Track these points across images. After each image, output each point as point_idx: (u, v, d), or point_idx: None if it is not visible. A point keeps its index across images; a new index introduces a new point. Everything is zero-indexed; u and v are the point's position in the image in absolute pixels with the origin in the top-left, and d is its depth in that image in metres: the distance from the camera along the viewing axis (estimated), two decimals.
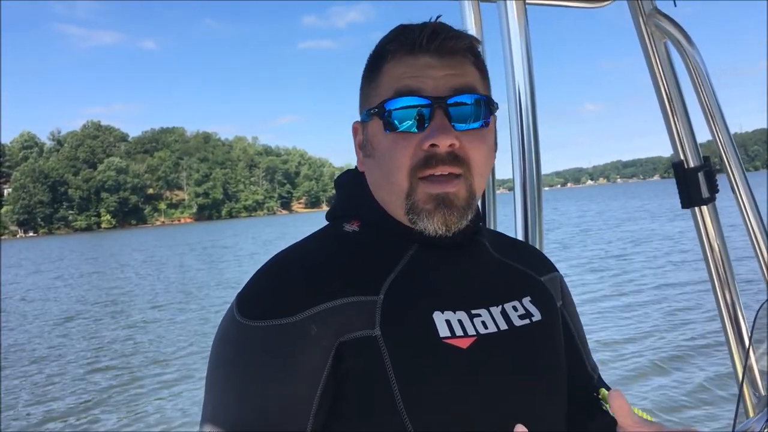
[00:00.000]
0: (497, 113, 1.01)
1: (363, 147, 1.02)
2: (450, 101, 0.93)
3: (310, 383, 0.87)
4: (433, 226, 0.94)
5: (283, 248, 1.01)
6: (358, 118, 1.05)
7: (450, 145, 0.92)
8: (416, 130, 0.93)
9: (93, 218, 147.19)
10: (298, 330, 0.87)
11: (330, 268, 0.93)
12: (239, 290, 0.95)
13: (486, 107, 0.97)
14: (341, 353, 0.88)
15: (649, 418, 0.99)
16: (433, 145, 0.91)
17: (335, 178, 1.12)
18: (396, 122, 0.94)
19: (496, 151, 1.04)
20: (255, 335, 0.87)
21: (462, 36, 0.96)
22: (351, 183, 1.07)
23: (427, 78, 0.93)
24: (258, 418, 0.85)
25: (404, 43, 0.95)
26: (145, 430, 6.93)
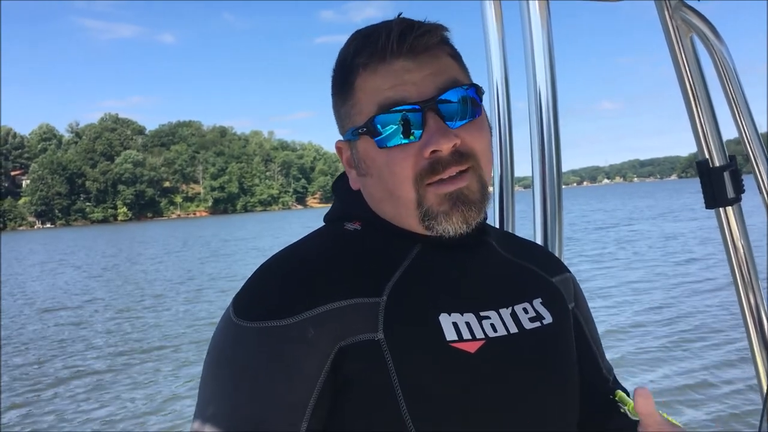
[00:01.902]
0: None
1: (355, 166, 0.97)
2: (440, 100, 0.89)
3: (305, 388, 0.84)
4: (453, 226, 0.91)
5: (282, 248, 0.96)
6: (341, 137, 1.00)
7: (453, 146, 0.88)
8: (412, 140, 0.89)
9: (110, 210, 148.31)
10: (295, 332, 0.84)
11: (331, 269, 0.90)
12: (237, 290, 0.92)
13: (475, 97, 0.93)
14: (342, 357, 0.85)
15: (675, 422, 0.95)
16: (434, 151, 0.88)
17: (333, 181, 1.08)
18: (389, 137, 0.89)
19: (491, 132, 1.00)
20: (249, 337, 0.85)
21: (432, 29, 0.91)
22: (349, 187, 1.02)
23: (407, 84, 0.89)
24: (249, 422, 0.82)
25: (374, 52, 0.90)
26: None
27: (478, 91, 0.94)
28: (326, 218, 1.05)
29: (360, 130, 0.92)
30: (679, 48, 1.50)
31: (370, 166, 0.94)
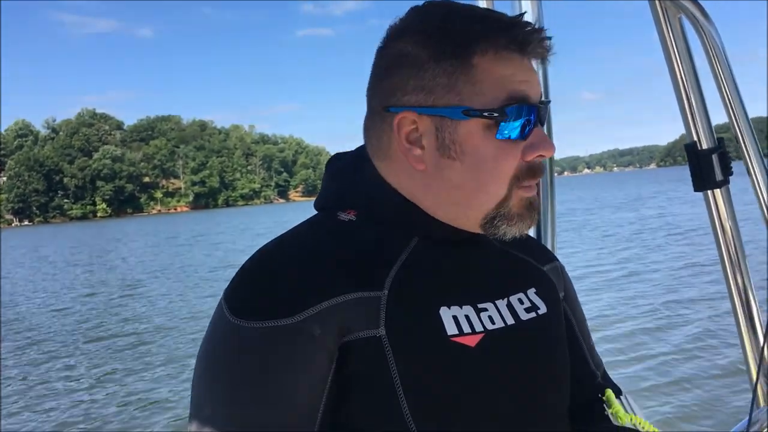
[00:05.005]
0: None
1: (440, 146, 0.89)
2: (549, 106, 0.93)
3: (317, 391, 0.81)
4: (519, 230, 0.90)
5: (272, 239, 0.91)
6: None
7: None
8: (518, 138, 0.87)
9: (89, 207, 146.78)
10: (300, 332, 0.79)
11: (328, 261, 0.85)
12: (226, 286, 0.86)
13: None
14: (344, 354, 0.82)
15: (653, 430, 0.95)
16: (540, 156, 0.89)
17: (326, 163, 1.02)
18: (513, 129, 0.86)
19: None
20: (253, 338, 0.80)
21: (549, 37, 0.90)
22: (347, 169, 0.98)
23: (532, 83, 0.88)
24: (264, 428, 0.79)
25: (514, 40, 0.86)
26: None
27: None
28: (318, 204, 1.00)
29: (485, 113, 0.85)
30: (667, 29, 1.49)
31: (468, 152, 0.87)
